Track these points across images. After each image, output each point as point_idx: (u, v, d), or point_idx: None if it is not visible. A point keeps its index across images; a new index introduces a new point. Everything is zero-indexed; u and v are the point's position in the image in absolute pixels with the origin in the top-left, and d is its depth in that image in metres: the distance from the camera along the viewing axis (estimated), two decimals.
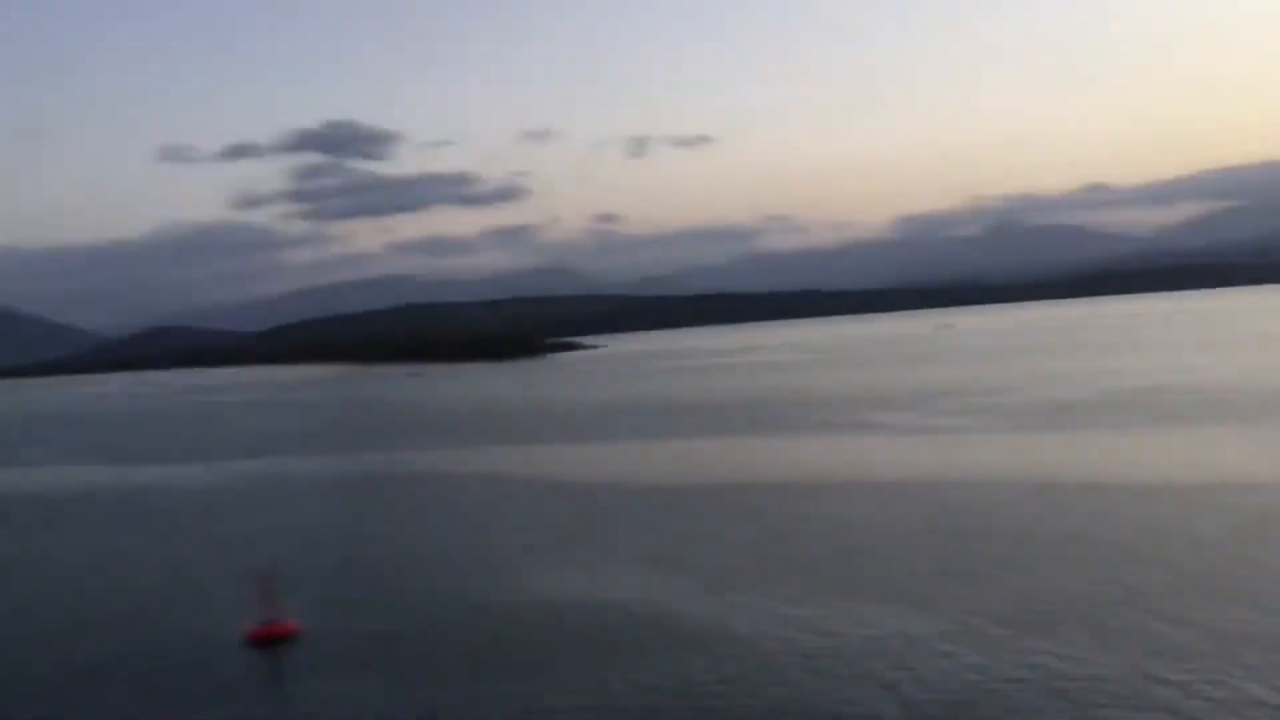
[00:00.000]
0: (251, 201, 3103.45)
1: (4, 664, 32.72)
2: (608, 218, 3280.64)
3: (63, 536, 56.63)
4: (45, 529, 59.96)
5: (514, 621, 33.09)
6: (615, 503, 54.71)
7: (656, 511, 51.09)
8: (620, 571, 38.77)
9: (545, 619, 33.10)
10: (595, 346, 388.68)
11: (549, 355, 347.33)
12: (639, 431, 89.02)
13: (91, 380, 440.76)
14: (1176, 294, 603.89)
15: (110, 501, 70.07)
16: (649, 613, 32.97)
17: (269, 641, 32.55)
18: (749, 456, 69.23)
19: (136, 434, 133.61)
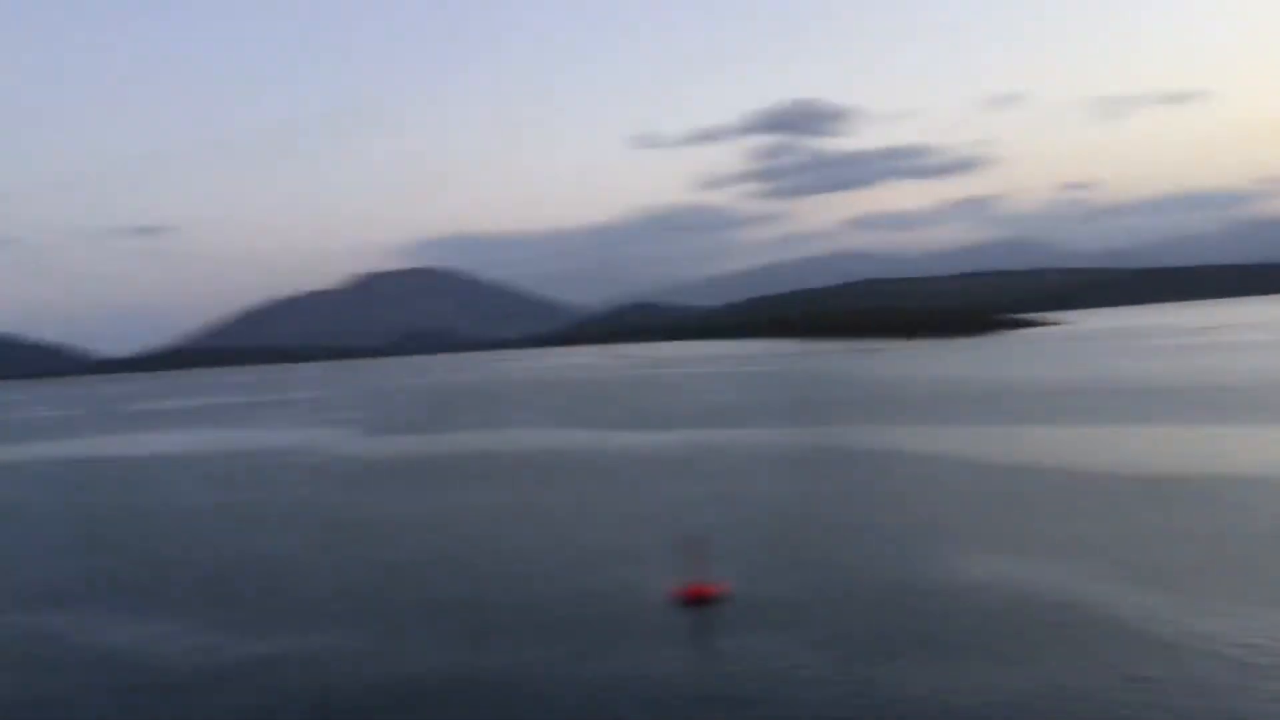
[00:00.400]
0: (713, 183, 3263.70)
1: (473, 595, 37.66)
2: (1078, 185, 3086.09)
3: (534, 490, 63.80)
4: (525, 483, 67.84)
5: (929, 602, 33.28)
6: (1054, 488, 52.52)
7: (1097, 500, 48.45)
8: (1044, 561, 37.47)
9: (959, 602, 32.95)
10: (1057, 323, 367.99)
11: (1004, 332, 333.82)
12: (1090, 415, 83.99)
13: (571, 352, 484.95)
14: None
15: (574, 461, 77.72)
16: (1065, 604, 31.80)
17: (696, 601, 34.96)
18: (1212, 446, 63.26)
19: (604, 402, 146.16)
